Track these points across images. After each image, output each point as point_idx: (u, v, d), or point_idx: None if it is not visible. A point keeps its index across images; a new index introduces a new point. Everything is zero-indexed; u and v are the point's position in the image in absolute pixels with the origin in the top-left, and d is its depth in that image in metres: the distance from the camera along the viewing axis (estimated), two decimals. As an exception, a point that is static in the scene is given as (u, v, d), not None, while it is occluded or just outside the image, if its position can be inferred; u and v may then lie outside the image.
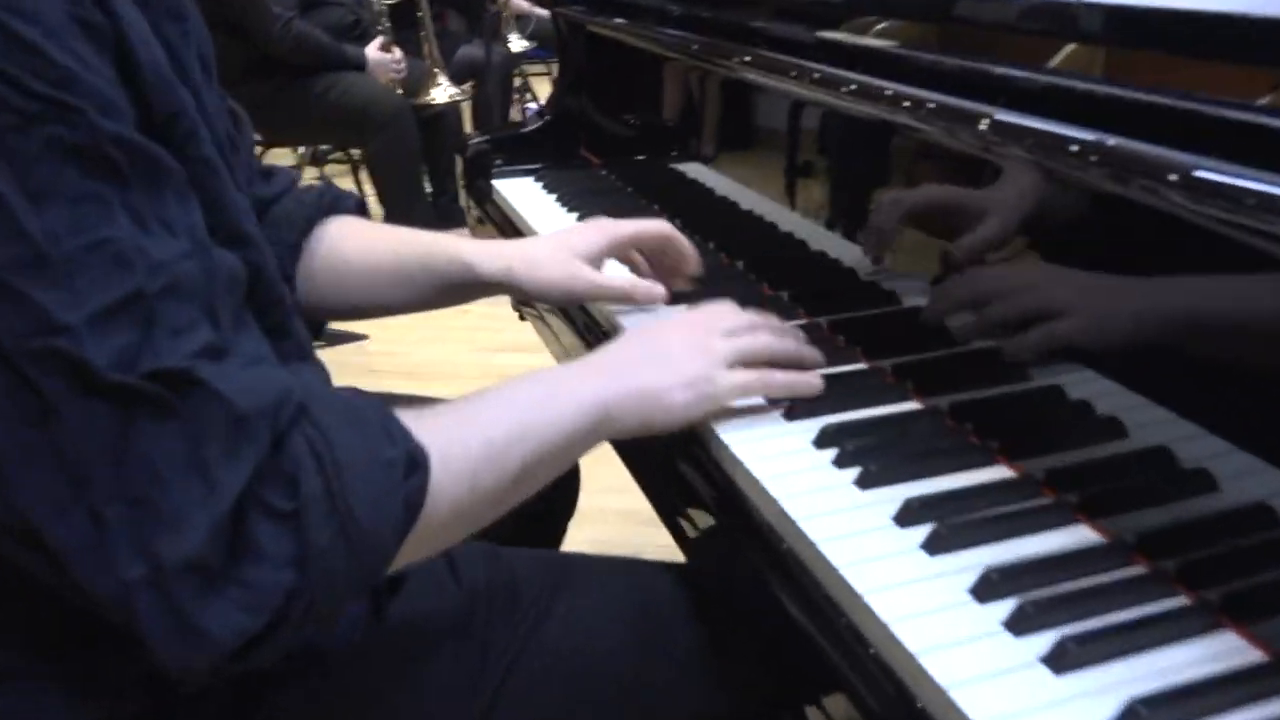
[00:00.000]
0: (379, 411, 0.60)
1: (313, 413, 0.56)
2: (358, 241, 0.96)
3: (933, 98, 0.76)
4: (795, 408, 0.78)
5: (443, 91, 3.64)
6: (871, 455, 0.71)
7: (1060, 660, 0.52)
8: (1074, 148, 0.62)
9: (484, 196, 1.49)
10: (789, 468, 0.72)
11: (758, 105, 1.14)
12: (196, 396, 0.51)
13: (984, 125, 0.70)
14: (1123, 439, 0.67)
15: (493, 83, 4.13)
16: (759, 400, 0.78)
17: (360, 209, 1.01)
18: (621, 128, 1.56)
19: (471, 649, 0.74)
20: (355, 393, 0.68)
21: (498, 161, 1.52)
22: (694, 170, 1.31)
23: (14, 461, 0.50)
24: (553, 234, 1.02)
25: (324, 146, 4.12)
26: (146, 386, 0.50)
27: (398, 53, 3.58)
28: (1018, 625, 0.55)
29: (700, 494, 0.77)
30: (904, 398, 0.80)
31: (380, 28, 3.61)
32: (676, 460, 0.79)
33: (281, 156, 3.87)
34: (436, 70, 3.65)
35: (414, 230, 1.01)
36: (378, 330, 2.84)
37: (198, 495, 0.51)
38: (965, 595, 0.58)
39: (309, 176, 3.88)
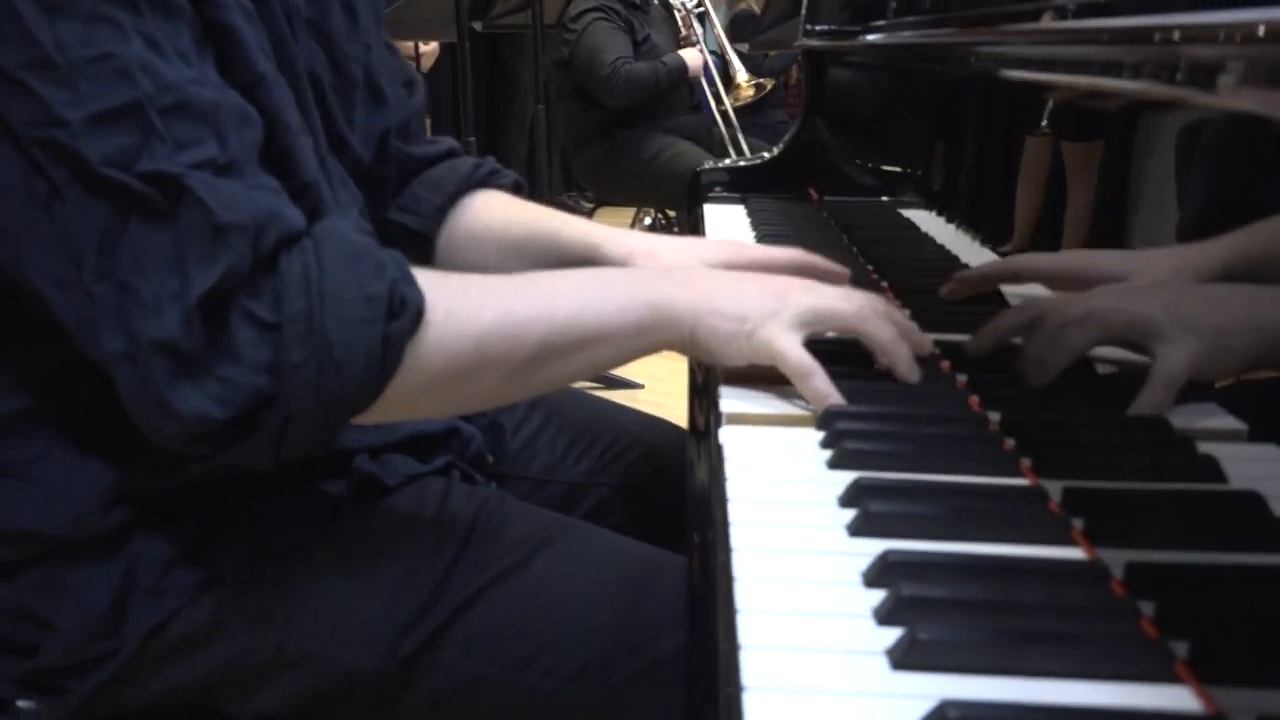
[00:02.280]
0: (384, 255, 0.63)
1: (318, 243, 0.60)
2: (498, 214, 0.97)
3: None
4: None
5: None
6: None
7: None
8: None
9: (694, 221, 1.47)
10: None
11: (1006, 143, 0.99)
12: (184, 202, 0.56)
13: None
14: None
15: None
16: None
17: (517, 188, 1.02)
18: (850, 165, 1.50)
19: (426, 578, 0.71)
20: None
21: (716, 187, 1.51)
22: (921, 218, 1.22)
23: (27, 238, 0.57)
24: (685, 238, 0.98)
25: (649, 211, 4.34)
26: (139, 186, 0.55)
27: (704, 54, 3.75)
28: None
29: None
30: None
31: (683, 36, 3.79)
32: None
33: (609, 215, 4.10)
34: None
35: (552, 210, 1.01)
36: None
37: (173, 288, 0.56)
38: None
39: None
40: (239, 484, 0.69)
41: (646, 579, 0.75)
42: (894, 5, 1.42)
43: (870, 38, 1.41)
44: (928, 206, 1.21)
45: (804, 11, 1.66)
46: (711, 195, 1.50)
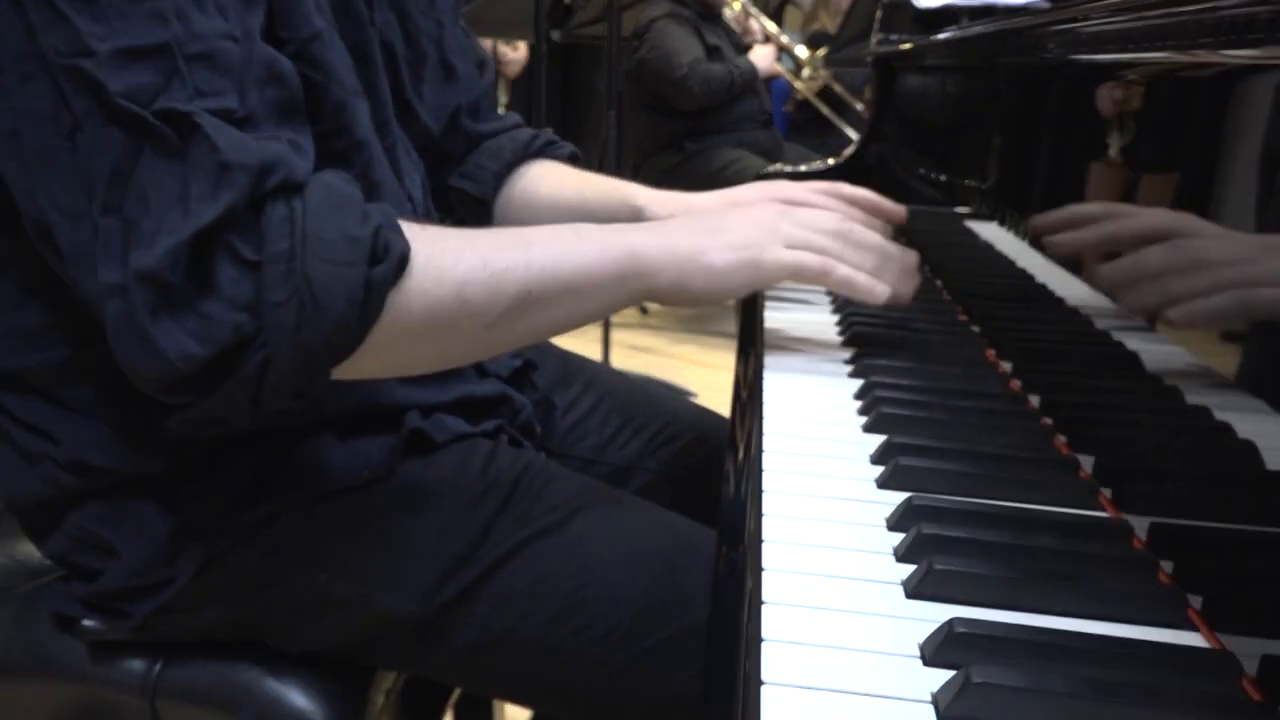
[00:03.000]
0: (370, 206, 0.63)
1: (306, 190, 0.60)
2: (553, 181, 1.00)
3: None
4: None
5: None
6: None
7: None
8: None
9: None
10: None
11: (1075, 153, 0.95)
12: (195, 141, 0.57)
13: None
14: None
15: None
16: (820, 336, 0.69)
17: (573, 158, 1.05)
18: (914, 175, 1.50)
19: (467, 530, 0.73)
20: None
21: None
22: (986, 229, 1.22)
23: (44, 164, 0.59)
24: (724, 190, 1.00)
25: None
26: (154, 123, 0.57)
27: (773, 49, 3.81)
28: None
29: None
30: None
31: (750, 40, 3.86)
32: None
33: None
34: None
35: (602, 176, 1.04)
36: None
37: (173, 223, 0.56)
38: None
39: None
40: (296, 431, 0.72)
41: (681, 549, 0.76)
42: (965, 18, 1.43)
43: (942, 35, 1.42)
44: (992, 218, 1.21)
45: (876, 24, 1.67)
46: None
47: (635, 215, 0.95)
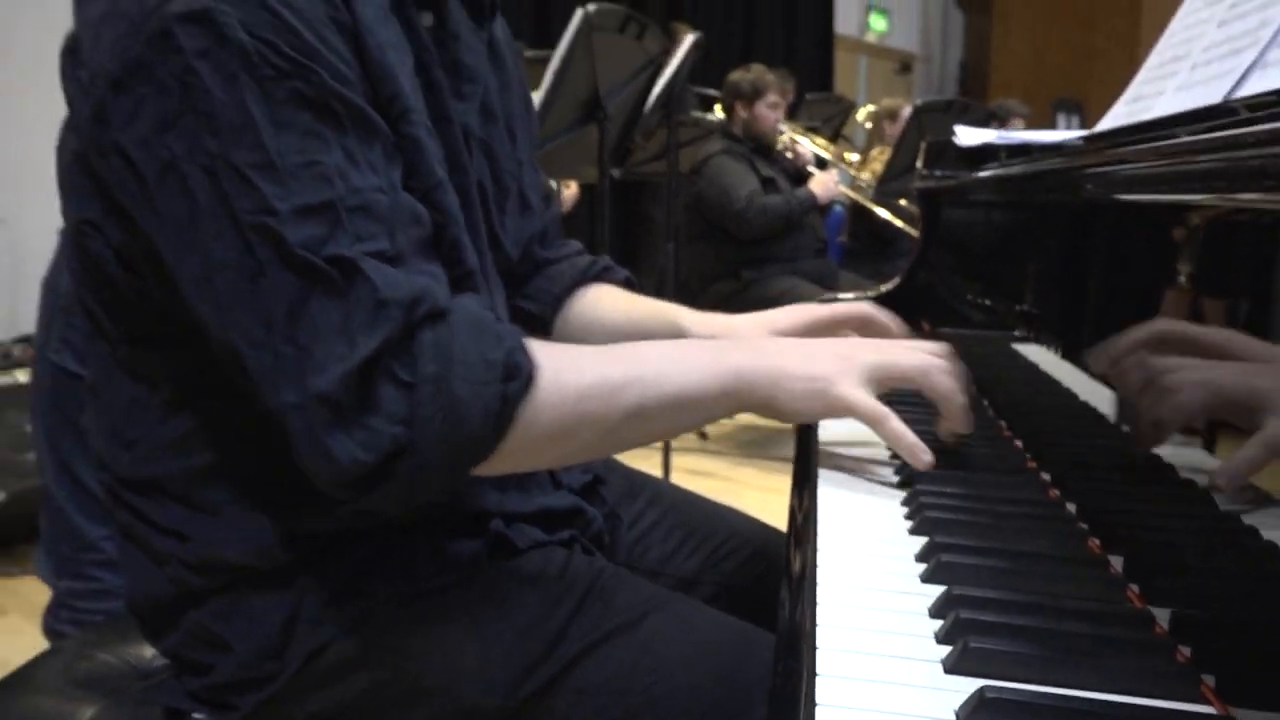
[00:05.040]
0: (503, 328, 0.73)
1: (449, 316, 0.70)
2: (606, 304, 1.10)
3: None
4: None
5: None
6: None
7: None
8: None
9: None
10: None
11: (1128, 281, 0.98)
12: (357, 281, 0.68)
13: None
14: None
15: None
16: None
17: (628, 283, 1.15)
18: (962, 301, 1.56)
19: (546, 630, 0.79)
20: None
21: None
22: (1031, 352, 1.28)
23: (232, 303, 0.69)
24: (759, 313, 1.08)
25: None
26: (324, 267, 0.67)
27: (832, 171, 3.87)
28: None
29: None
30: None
31: (810, 170, 3.97)
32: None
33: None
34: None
35: (652, 299, 1.12)
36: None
37: (341, 351, 0.67)
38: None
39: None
40: (397, 531, 0.80)
41: (743, 651, 0.81)
42: (1004, 155, 1.52)
43: (984, 173, 1.51)
44: (1040, 341, 1.27)
45: (921, 161, 1.77)
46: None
47: (679, 334, 1.04)
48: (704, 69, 6.06)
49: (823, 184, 3.94)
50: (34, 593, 2.07)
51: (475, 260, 0.84)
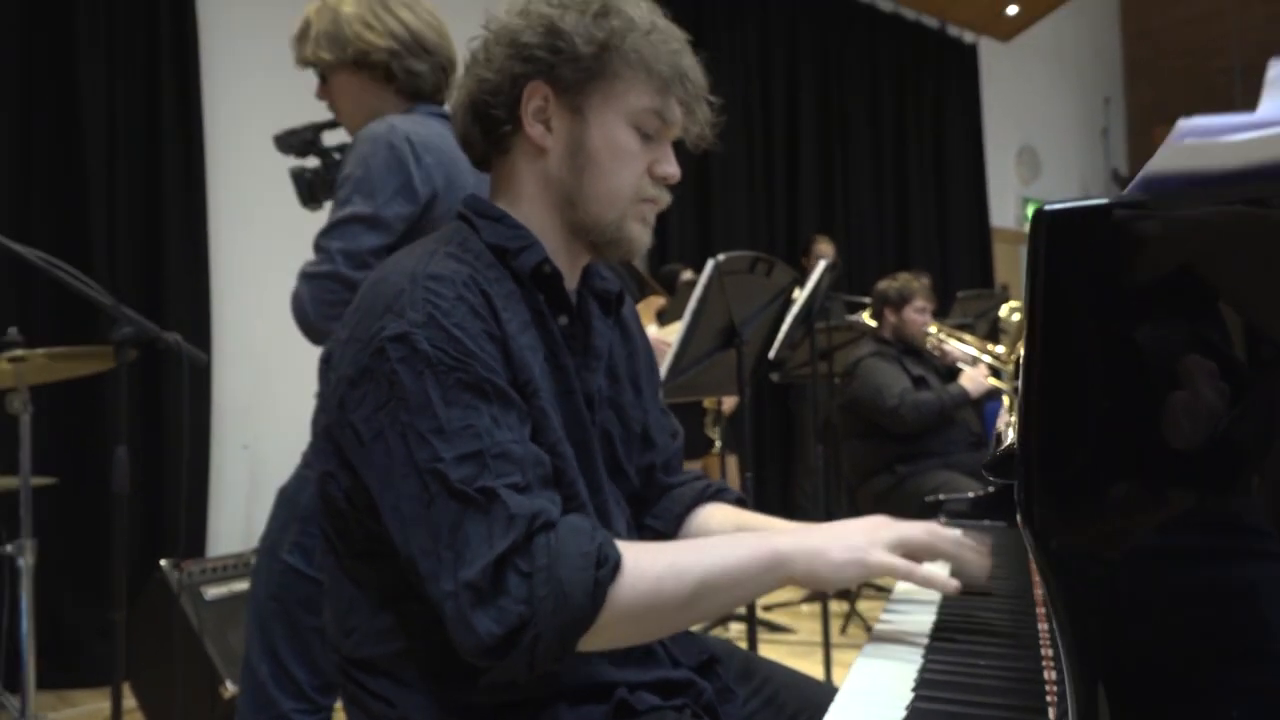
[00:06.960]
0: (593, 529, 0.98)
1: (558, 527, 0.96)
2: (718, 518, 1.34)
3: None
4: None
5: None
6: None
7: None
8: None
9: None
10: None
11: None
12: (496, 505, 0.95)
13: None
14: None
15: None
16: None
17: (739, 502, 1.39)
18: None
19: None
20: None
21: (940, 517, 1.76)
22: None
23: (413, 523, 0.97)
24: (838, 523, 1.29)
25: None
26: (475, 496, 0.95)
27: (981, 366, 3.98)
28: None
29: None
30: None
31: (960, 366, 4.10)
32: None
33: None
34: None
35: (753, 513, 1.35)
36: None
37: (483, 552, 0.93)
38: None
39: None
40: (540, 701, 1.04)
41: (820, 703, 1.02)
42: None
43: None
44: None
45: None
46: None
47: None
48: (860, 274, 6.31)
49: (973, 379, 4.06)
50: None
51: (586, 494, 1.11)
